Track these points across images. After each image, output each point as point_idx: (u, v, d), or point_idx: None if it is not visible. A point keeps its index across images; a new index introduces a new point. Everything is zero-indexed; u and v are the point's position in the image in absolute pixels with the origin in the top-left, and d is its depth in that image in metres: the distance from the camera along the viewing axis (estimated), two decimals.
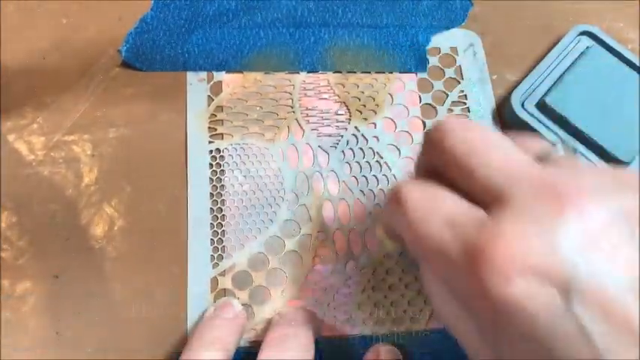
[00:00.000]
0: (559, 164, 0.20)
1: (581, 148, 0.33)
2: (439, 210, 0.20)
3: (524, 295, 0.16)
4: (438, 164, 0.21)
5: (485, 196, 0.19)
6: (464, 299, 0.19)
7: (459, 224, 0.19)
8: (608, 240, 0.17)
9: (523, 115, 0.34)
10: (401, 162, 0.34)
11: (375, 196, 0.33)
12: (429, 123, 0.35)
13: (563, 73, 0.35)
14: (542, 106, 0.34)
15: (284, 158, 0.33)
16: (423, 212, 0.20)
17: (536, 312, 0.16)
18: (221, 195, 0.32)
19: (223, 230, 0.31)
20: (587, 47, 0.36)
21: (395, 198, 0.21)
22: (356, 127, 0.34)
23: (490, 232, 0.17)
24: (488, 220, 0.18)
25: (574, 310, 0.16)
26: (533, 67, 0.36)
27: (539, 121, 0.34)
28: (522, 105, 0.34)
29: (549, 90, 0.34)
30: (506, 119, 0.35)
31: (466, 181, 0.20)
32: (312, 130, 0.34)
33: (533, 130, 0.34)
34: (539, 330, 0.17)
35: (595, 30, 0.36)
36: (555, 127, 0.33)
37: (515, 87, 0.35)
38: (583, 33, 0.36)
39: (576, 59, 0.35)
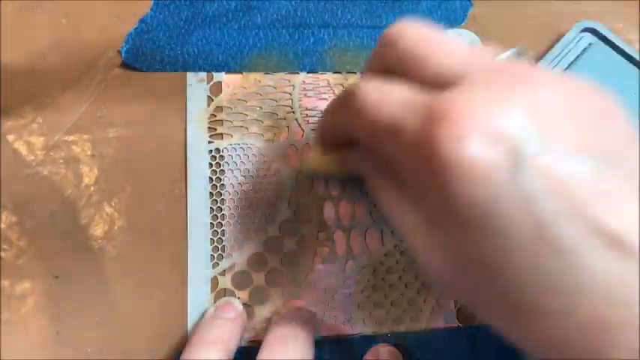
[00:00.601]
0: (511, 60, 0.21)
1: None
2: (393, 93, 0.20)
3: (476, 156, 0.16)
4: (391, 62, 0.21)
5: (440, 84, 0.19)
6: (415, 186, 0.19)
7: (412, 103, 0.19)
8: (560, 118, 0.17)
9: None
10: None
11: None
12: None
13: (566, 69, 0.35)
14: None
15: (284, 158, 0.33)
16: (377, 96, 0.20)
17: (485, 176, 0.16)
18: (221, 195, 0.32)
19: (223, 230, 0.31)
20: (590, 44, 0.36)
21: (346, 93, 0.21)
22: None
23: (444, 98, 0.18)
24: (439, 95, 0.18)
25: (522, 177, 0.16)
26: (535, 64, 0.36)
27: None
28: None
29: None
30: None
31: (422, 72, 0.20)
32: (312, 130, 0.34)
33: None
34: (486, 201, 0.16)
35: (598, 26, 0.36)
36: None
37: None
38: (586, 30, 0.37)
39: (579, 55, 0.35)
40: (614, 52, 0.35)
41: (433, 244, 0.19)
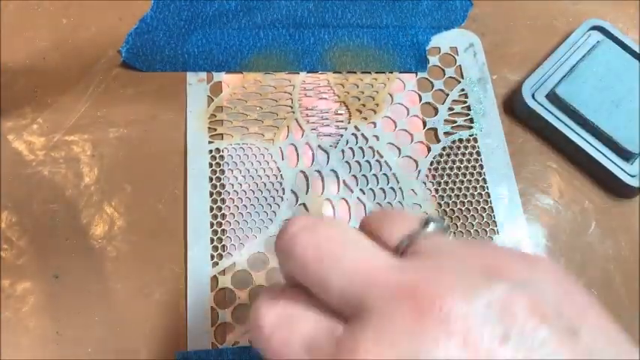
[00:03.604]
0: (425, 250, 0.18)
1: (591, 139, 0.34)
2: (296, 334, 0.17)
3: None
4: (289, 275, 0.19)
5: (343, 307, 0.17)
6: None
7: (317, 347, 0.17)
8: (480, 344, 0.15)
9: (533, 106, 0.34)
10: (401, 161, 0.34)
11: (374, 195, 0.33)
12: (429, 122, 0.35)
13: (574, 65, 0.35)
14: (552, 97, 0.34)
15: (284, 158, 0.33)
16: (280, 339, 0.18)
17: None
18: (221, 194, 0.32)
19: (223, 229, 0.31)
20: (598, 41, 0.36)
21: (253, 322, 0.19)
22: (356, 127, 0.34)
23: (345, 351, 0.16)
24: (344, 338, 0.16)
25: None
26: (535, 66, 0.36)
27: (549, 112, 0.34)
28: (533, 96, 0.35)
29: (560, 82, 0.35)
30: (516, 110, 0.36)
31: (321, 293, 0.18)
32: (312, 129, 0.34)
33: (543, 119, 0.34)
34: None
35: (606, 25, 0.37)
36: (565, 118, 0.34)
37: (522, 82, 0.35)
38: (593, 28, 0.37)
39: (587, 53, 0.36)
40: (621, 50, 0.36)
41: None
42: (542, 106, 0.34)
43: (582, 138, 0.34)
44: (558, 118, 0.34)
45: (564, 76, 0.35)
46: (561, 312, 0.15)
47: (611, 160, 0.33)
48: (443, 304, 0.15)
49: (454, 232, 0.32)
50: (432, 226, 0.19)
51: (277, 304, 0.19)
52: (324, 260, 0.18)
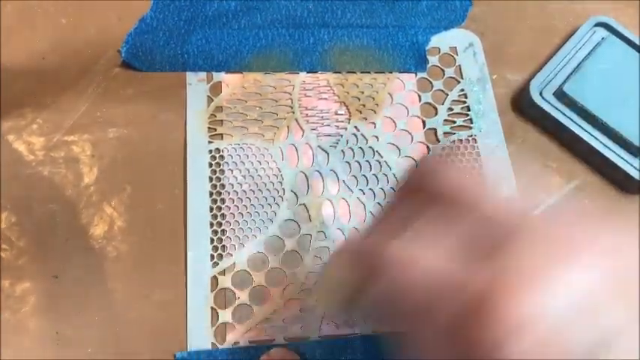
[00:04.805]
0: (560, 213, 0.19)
1: (600, 135, 0.34)
2: (426, 261, 0.17)
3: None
4: (431, 195, 0.19)
5: (487, 240, 0.17)
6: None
7: (449, 279, 0.17)
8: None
9: (541, 103, 0.34)
10: (400, 161, 0.34)
11: (374, 195, 0.33)
12: (429, 122, 0.35)
13: (581, 62, 0.35)
14: (560, 95, 0.35)
15: (283, 158, 0.33)
16: (403, 265, 0.18)
17: None
18: (221, 194, 0.32)
19: (223, 229, 0.31)
20: (603, 38, 0.36)
21: (366, 257, 0.18)
22: (355, 127, 0.34)
23: (486, 282, 0.16)
24: (482, 272, 0.16)
25: None
26: (535, 66, 0.36)
27: (557, 109, 0.34)
28: (540, 94, 0.35)
29: (567, 79, 0.35)
30: (523, 108, 0.36)
31: (462, 216, 0.18)
32: (312, 130, 0.34)
33: (551, 117, 0.34)
34: None
35: (610, 21, 0.37)
36: (573, 115, 0.34)
37: (529, 81, 0.35)
38: (598, 24, 0.37)
39: (593, 49, 0.36)
40: (626, 46, 0.36)
41: None
42: (550, 104, 0.35)
43: (591, 135, 0.34)
44: (566, 116, 0.34)
45: (571, 74, 0.35)
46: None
47: (619, 155, 0.34)
48: (588, 255, 0.16)
49: None
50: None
51: (400, 233, 0.18)
52: (479, 189, 0.18)
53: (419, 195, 0.19)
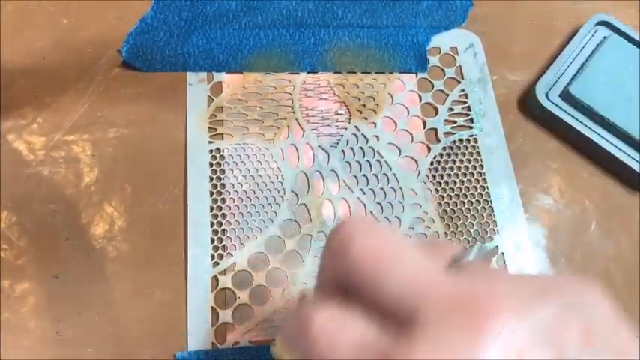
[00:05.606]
0: (472, 270, 0.18)
1: (607, 135, 0.34)
2: (346, 337, 0.17)
3: None
4: (341, 277, 0.19)
5: (395, 312, 0.17)
6: None
7: (366, 350, 0.17)
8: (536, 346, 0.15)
9: (548, 106, 0.35)
10: (401, 161, 0.34)
11: (375, 195, 0.33)
12: (430, 122, 0.35)
13: (584, 62, 0.36)
14: (566, 96, 0.35)
15: (284, 158, 0.33)
16: (328, 341, 0.18)
17: None
18: (221, 194, 0.32)
19: (223, 229, 0.31)
20: (605, 37, 0.36)
21: (301, 323, 0.18)
22: (356, 127, 0.34)
23: (398, 356, 0.16)
24: (397, 344, 0.16)
25: None
26: (536, 66, 0.36)
27: (564, 111, 0.34)
28: (546, 95, 0.35)
29: (572, 80, 0.35)
30: (530, 111, 0.36)
31: (375, 295, 0.18)
32: (312, 130, 0.34)
33: (558, 119, 0.34)
34: None
35: (612, 20, 0.37)
36: (579, 115, 0.34)
37: (535, 82, 0.35)
38: (600, 23, 0.37)
39: (596, 48, 0.36)
40: (629, 44, 0.36)
41: None
42: (558, 106, 0.35)
43: (599, 135, 0.34)
44: (574, 117, 0.34)
45: (575, 74, 0.35)
46: (609, 343, 0.16)
47: (629, 155, 0.34)
48: (498, 320, 0.15)
49: (454, 233, 0.32)
50: (476, 248, 0.19)
51: (327, 306, 0.19)
52: (383, 262, 0.18)
53: (341, 262, 0.19)
